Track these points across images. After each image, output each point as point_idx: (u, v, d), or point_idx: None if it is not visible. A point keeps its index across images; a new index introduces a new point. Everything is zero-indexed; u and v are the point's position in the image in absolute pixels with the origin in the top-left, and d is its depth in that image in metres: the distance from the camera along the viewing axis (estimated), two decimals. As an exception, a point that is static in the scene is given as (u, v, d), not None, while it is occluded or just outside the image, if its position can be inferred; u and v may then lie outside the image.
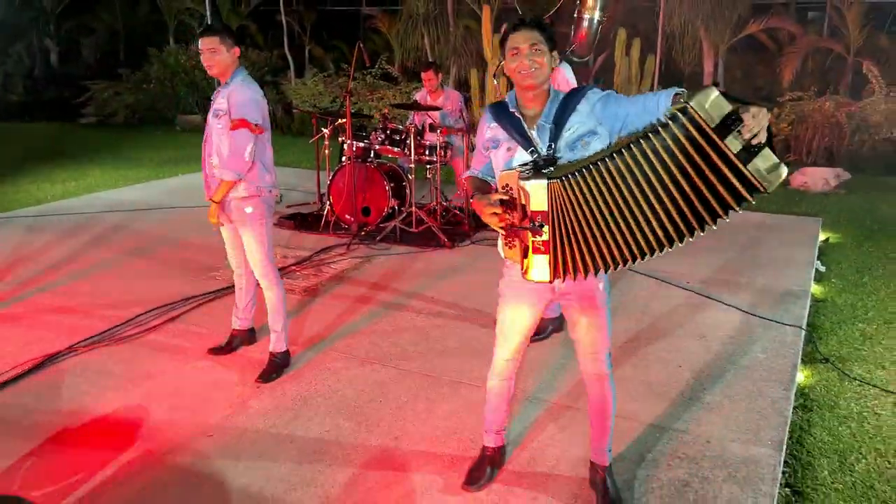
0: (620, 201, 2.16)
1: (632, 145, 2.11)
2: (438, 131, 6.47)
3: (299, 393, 3.60)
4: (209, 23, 3.50)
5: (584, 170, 2.17)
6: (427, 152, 6.38)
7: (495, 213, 2.34)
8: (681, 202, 2.11)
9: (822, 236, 6.75)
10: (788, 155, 10.35)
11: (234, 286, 4.04)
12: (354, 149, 6.46)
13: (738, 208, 2.09)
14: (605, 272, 2.27)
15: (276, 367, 3.76)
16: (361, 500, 2.78)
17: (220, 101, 3.49)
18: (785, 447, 3.24)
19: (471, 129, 6.48)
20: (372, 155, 6.47)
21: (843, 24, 10.96)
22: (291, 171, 9.31)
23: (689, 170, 2.07)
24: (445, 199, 6.86)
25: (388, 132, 6.37)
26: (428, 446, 3.13)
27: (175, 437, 3.20)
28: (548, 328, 4.24)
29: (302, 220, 6.69)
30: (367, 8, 18.45)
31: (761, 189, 2.07)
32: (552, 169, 2.29)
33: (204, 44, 3.42)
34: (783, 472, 3.11)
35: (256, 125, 3.46)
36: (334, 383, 3.70)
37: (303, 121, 13.51)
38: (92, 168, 10.00)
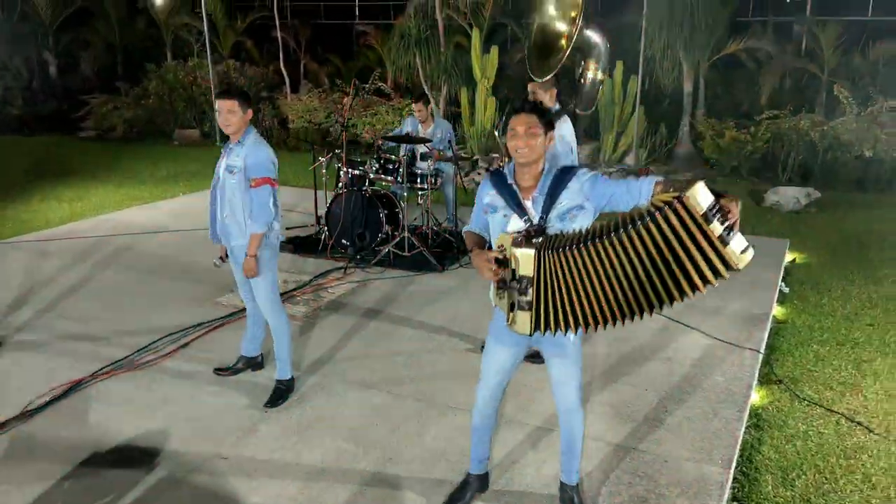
0: (610, 273, 2.46)
1: (629, 226, 2.40)
2: (430, 160, 6.89)
3: (303, 418, 4.01)
4: (227, 87, 3.91)
5: (576, 245, 2.49)
6: (419, 180, 6.79)
7: (491, 269, 2.75)
8: (665, 276, 2.41)
9: (789, 257, 7.20)
10: (765, 171, 10.82)
11: (238, 311, 4.43)
12: (350, 176, 6.87)
13: (715, 283, 2.39)
14: (585, 331, 2.65)
15: (282, 393, 4.17)
16: (360, 516, 3.20)
17: (233, 159, 3.90)
18: (734, 465, 3.67)
19: (459, 159, 6.92)
20: (367, 182, 6.87)
21: (818, 44, 11.42)
22: (289, 191, 9.70)
23: (678, 249, 2.37)
24: (437, 223, 7.28)
25: (381, 161, 6.78)
26: (418, 468, 3.55)
27: (193, 459, 3.61)
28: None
29: (301, 244, 7.09)
30: (360, 22, 18.85)
31: (735, 268, 2.43)
32: (540, 239, 2.67)
33: (223, 105, 3.83)
34: (732, 488, 3.53)
35: (274, 179, 3.88)
36: (334, 408, 4.11)
37: (297, 136, 13.90)
38: (95, 186, 10.37)
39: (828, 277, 6.65)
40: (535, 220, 2.76)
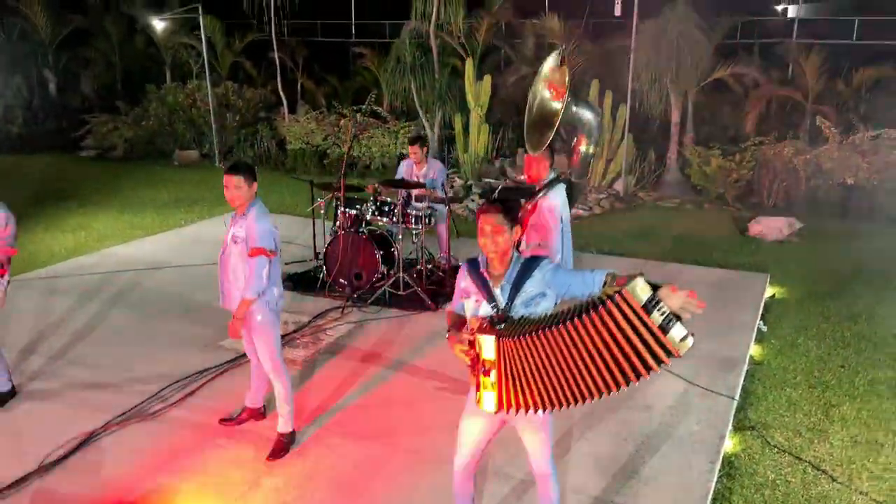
0: (561, 360, 2.78)
1: (574, 317, 2.72)
2: (424, 201, 7.18)
3: (304, 470, 4.29)
4: (234, 163, 4.16)
5: (532, 333, 2.81)
6: (413, 220, 7.07)
7: (462, 351, 3.05)
8: (610, 364, 2.70)
9: (769, 292, 7.50)
10: (751, 197, 11.13)
11: (239, 356, 4.68)
12: (347, 216, 7.16)
13: (657, 369, 2.72)
14: (545, 412, 2.95)
15: (284, 446, 4.45)
16: (358, 573, 3.48)
17: (237, 230, 4.18)
18: (705, 516, 3.96)
19: (451, 200, 7.21)
20: (363, 223, 7.15)
21: (802, 71, 11.73)
22: (289, 220, 9.97)
23: (621, 338, 2.66)
24: (431, 257, 7.57)
25: (378, 204, 7.06)
26: (412, 522, 3.83)
27: (203, 514, 3.89)
28: None
29: (300, 281, 7.37)
30: (356, 40, 19.12)
31: (675, 355, 2.72)
32: (503, 326, 2.99)
33: (230, 181, 4.11)
34: (701, 540, 3.83)
35: (271, 251, 4.15)
36: (332, 460, 4.39)
37: (296, 157, 14.18)
38: (97, 213, 10.63)
39: (805, 314, 6.94)
40: (503, 306, 3.06)
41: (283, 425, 4.49)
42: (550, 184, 4.82)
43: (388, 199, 7.10)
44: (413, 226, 7.08)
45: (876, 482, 4.35)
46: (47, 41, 18.34)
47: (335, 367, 5.65)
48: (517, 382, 2.93)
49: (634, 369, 2.71)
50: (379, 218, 7.07)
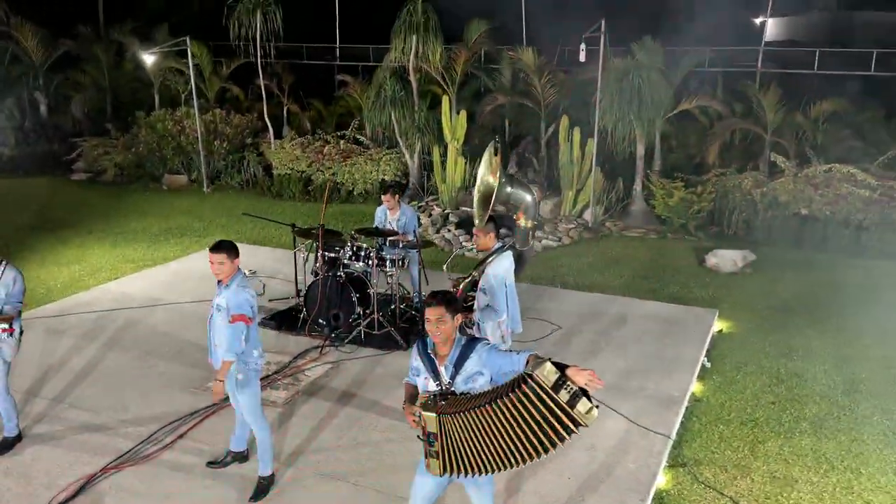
0: (490, 433, 3.37)
1: (497, 399, 3.32)
2: (399, 245, 7.77)
3: (282, 510, 4.86)
4: (218, 242, 4.75)
5: (464, 411, 3.42)
6: (388, 264, 7.64)
7: (414, 421, 3.64)
8: (530, 435, 3.28)
9: (717, 326, 8.12)
10: (711, 227, 11.77)
11: (225, 399, 5.19)
12: (326, 259, 7.73)
13: (569, 437, 3.31)
14: (481, 475, 3.53)
15: (264, 488, 5.01)
16: None
17: (220, 300, 4.73)
18: (631, 551, 4.55)
19: (422, 245, 7.80)
20: (341, 266, 7.71)
21: (761, 106, 12.39)
22: (270, 253, 10.53)
23: (535, 413, 3.24)
24: (405, 294, 8.15)
25: (354, 249, 7.63)
26: (374, 560, 4.41)
27: (192, 553, 4.44)
28: None
29: (283, 320, 7.93)
30: (340, 63, 19.68)
31: (583, 425, 3.31)
32: (444, 402, 3.57)
33: (214, 258, 4.66)
34: (626, 571, 4.42)
35: (249, 318, 4.71)
36: (308, 500, 4.96)
37: (282, 182, 14.72)
38: (93, 246, 11.15)
39: (747, 350, 7.56)
40: (446, 383, 3.64)
41: (264, 469, 5.05)
42: (496, 252, 5.42)
43: (364, 245, 7.67)
44: (388, 269, 7.65)
45: (785, 516, 4.96)
46: (38, 64, 18.81)
47: (312, 408, 6.21)
48: (456, 451, 3.52)
49: (550, 439, 3.30)
50: (355, 262, 7.63)
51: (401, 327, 7.62)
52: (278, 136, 16.05)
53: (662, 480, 5.35)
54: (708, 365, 7.23)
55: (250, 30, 14.42)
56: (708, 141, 12.22)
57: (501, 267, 5.35)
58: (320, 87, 18.94)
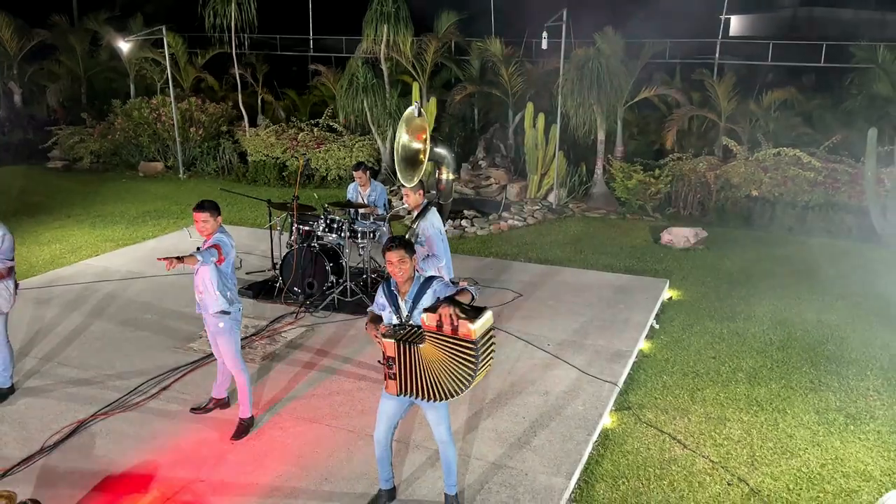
0: (429, 363, 3.95)
1: (424, 335, 3.95)
2: (370, 217, 8.24)
3: (261, 448, 5.31)
4: (201, 202, 5.19)
5: (413, 343, 3.96)
6: (359, 236, 8.11)
7: (375, 336, 4.17)
8: (452, 364, 3.90)
9: (667, 294, 8.71)
10: (668, 208, 12.39)
11: (206, 356, 5.62)
12: (301, 232, 8.17)
13: (480, 363, 3.84)
14: (434, 400, 4.05)
15: (244, 428, 5.46)
16: (302, 521, 4.53)
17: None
18: (577, 476, 5.08)
19: (392, 218, 8.27)
20: (315, 238, 8.16)
21: (716, 94, 13.04)
22: (248, 232, 10.92)
23: (445, 346, 3.89)
24: (376, 267, 8.63)
25: (328, 221, 8.08)
26: (346, 485, 4.88)
27: (179, 482, 4.88)
28: None
29: (259, 290, 8.35)
30: (314, 54, 20.03)
31: (472, 340, 3.80)
32: (402, 332, 4.07)
33: (199, 216, 5.09)
34: (572, 492, 4.95)
35: (220, 247, 5.05)
36: (284, 439, 5.42)
37: (257, 169, 15.08)
38: (71, 226, 11.46)
39: (694, 314, 8.16)
40: (405, 315, 4.15)
41: (244, 412, 5.50)
42: (425, 209, 5.99)
43: (337, 218, 8.13)
44: (360, 241, 8.12)
45: (716, 448, 5.53)
46: (12, 54, 18.91)
47: (289, 364, 6.67)
48: (410, 374, 4.04)
49: (468, 366, 3.89)
50: (328, 234, 8.09)
51: (372, 295, 8.08)
52: (253, 124, 16.39)
53: (609, 421, 5.89)
54: (657, 326, 7.80)
55: (225, 20, 14.74)
56: (666, 128, 12.83)
57: (437, 218, 6.00)
58: (294, 78, 19.31)
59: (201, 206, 5.16)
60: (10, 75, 19.09)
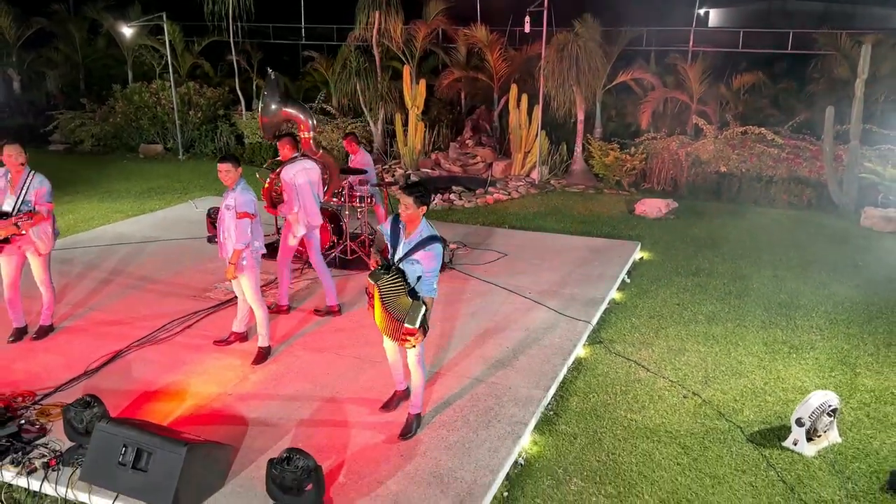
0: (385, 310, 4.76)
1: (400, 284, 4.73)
2: (368, 184, 9.01)
3: (278, 370, 6.08)
4: (224, 155, 6.07)
5: (387, 286, 4.72)
6: (358, 201, 8.86)
7: (373, 262, 4.93)
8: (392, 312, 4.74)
9: (639, 255, 9.55)
10: (643, 183, 13.24)
11: (223, 302, 6.35)
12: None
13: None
14: (389, 337, 4.86)
15: (264, 355, 6.22)
16: (320, 421, 5.30)
17: (229, 200, 5.90)
18: (553, 390, 5.89)
19: (389, 184, 9.04)
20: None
21: (688, 78, 13.90)
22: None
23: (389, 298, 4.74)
24: (372, 231, 9.38)
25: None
26: (354, 395, 5.66)
27: (209, 395, 5.64)
28: None
29: (266, 249, 9.07)
30: (307, 42, 20.70)
31: (371, 282, 4.73)
32: (385, 273, 4.78)
33: (222, 167, 5.83)
34: (548, 402, 5.75)
35: (252, 214, 5.89)
36: (299, 364, 6.19)
37: (253, 150, 15.77)
38: (81, 201, 12.12)
39: (663, 271, 9.00)
40: (397, 258, 4.81)
41: (263, 341, 6.26)
42: (291, 161, 6.99)
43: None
44: (358, 204, 8.87)
45: (674, 371, 6.36)
46: (11, 42, 19.44)
47: (298, 309, 7.43)
48: (381, 310, 4.82)
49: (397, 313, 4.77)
50: (331, 198, 8.83)
51: (368, 253, 8.86)
52: (249, 108, 17.06)
53: (582, 352, 6.71)
54: (628, 280, 8.63)
55: (223, 7, 15.41)
56: (641, 109, 13.67)
57: (291, 172, 6.94)
58: (287, 65, 19.96)
59: (224, 159, 5.90)
60: (9, 62, 19.61)
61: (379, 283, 4.74)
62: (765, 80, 14.50)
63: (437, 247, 4.76)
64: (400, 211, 4.80)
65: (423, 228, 4.79)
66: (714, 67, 14.36)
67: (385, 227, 5.04)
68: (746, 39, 18.04)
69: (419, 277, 4.75)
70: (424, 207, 4.80)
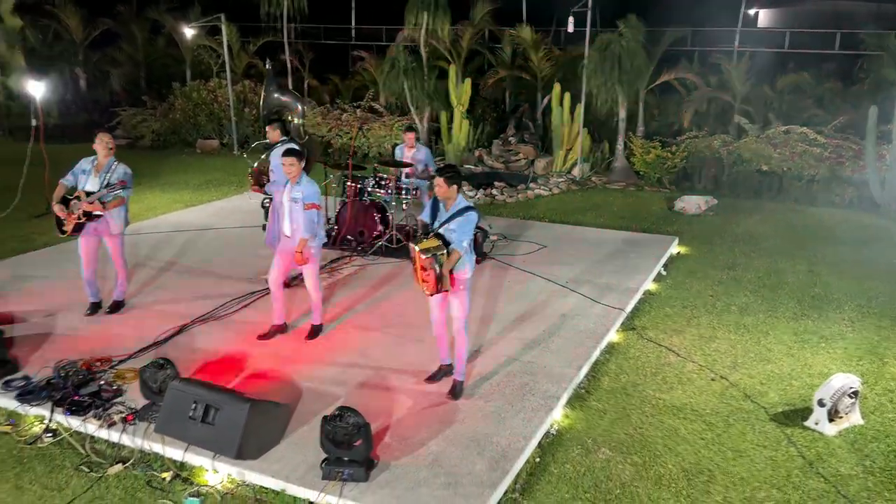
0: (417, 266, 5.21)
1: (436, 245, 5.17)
2: (414, 177, 9.46)
3: (329, 345, 6.56)
4: (288, 149, 6.65)
5: (429, 252, 5.15)
6: (404, 192, 9.32)
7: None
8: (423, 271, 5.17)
9: (675, 249, 9.78)
10: (684, 182, 13.42)
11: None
12: (353, 188, 9.41)
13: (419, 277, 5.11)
14: (429, 294, 5.27)
15: (317, 331, 6.71)
16: (369, 387, 5.75)
17: (296, 193, 6.33)
18: (586, 370, 6.24)
19: (432, 177, 9.47)
20: (365, 193, 9.39)
21: (731, 77, 14.02)
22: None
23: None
24: (416, 223, 9.82)
25: (377, 179, 9.32)
26: (399, 367, 6.10)
27: (269, 363, 6.14)
28: None
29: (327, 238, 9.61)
30: (356, 43, 21.32)
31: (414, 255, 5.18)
32: (424, 239, 5.25)
33: (286, 160, 6.29)
34: (581, 381, 6.10)
35: (319, 205, 6.34)
36: (348, 340, 6.66)
37: (304, 146, 16.38)
38: (142, 191, 12.83)
39: (699, 265, 9.23)
40: (435, 224, 5.37)
41: (316, 319, 6.75)
42: (280, 143, 7.55)
43: (384, 175, 9.36)
44: (404, 196, 9.33)
45: (704, 356, 6.64)
46: (79, 41, 20.52)
47: (346, 292, 7.91)
48: (420, 272, 5.26)
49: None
50: (377, 190, 9.31)
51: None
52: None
53: (615, 337, 7.03)
54: (664, 273, 8.89)
55: (278, 9, 16.06)
56: (683, 108, 13.84)
57: (281, 151, 7.18)
58: (337, 65, 20.61)
59: (289, 153, 6.37)
60: (77, 62, 20.69)
61: (419, 245, 5.23)
62: (809, 80, 14.50)
63: (472, 214, 5.35)
64: (436, 191, 5.36)
65: (460, 201, 5.40)
66: (759, 67, 14.44)
67: (426, 203, 5.55)
68: (794, 39, 18.01)
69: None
70: (455, 186, 5.37)
